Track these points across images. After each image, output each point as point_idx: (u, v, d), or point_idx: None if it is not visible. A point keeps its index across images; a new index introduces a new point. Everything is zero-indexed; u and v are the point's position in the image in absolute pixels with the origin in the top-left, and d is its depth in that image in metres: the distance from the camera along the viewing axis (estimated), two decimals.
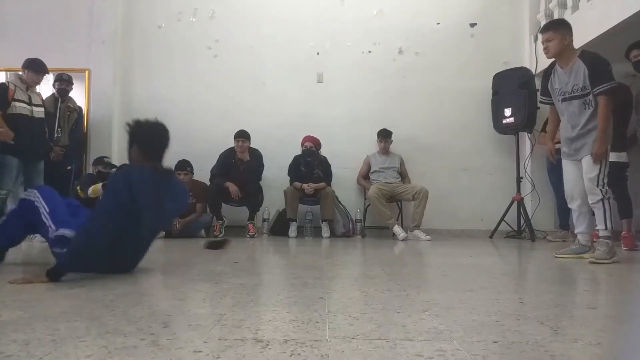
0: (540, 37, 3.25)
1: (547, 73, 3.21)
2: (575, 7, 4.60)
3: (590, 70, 2.91)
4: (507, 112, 5.12)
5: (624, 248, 3.69)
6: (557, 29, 3.03)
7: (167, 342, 1.07)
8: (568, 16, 4.70)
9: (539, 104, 3.55)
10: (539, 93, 3.42)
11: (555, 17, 4.94)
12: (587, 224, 3.06)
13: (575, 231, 3.16)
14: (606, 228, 2.90)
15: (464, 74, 5.57)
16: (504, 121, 5.16)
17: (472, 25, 5.66)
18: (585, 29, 4.15)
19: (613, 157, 3.93)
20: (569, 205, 3.17)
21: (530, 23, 5.48)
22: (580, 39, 4.05)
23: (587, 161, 2.97)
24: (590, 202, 2.96)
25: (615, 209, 4.04)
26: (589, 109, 2.95)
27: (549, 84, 3.17)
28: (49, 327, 1.19)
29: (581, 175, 3.00)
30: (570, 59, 3.01)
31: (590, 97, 2.93)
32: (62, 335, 1.11)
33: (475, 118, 5.52)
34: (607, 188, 2.92)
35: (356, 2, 5.71)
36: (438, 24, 5.66)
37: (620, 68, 3.77)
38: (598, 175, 2.91)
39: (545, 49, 3.08)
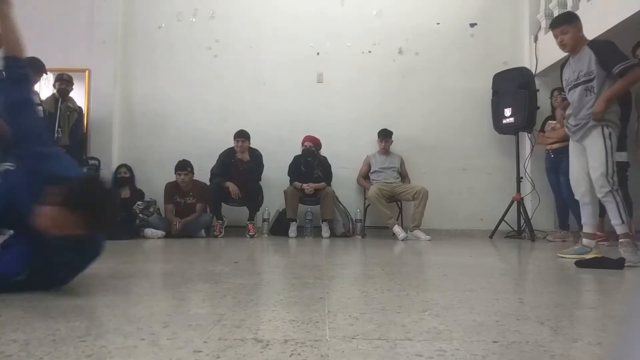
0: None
1: (562, 66, 3.18)
2: (575, 7, 4.60)
3: (597, 56, 2.86)
4: (507, 112, 5.12)
5: None
6: (571, 22, 2.99)
7: (167, 342, 1.07)
8: None
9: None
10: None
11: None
12: (588, 214, 3.02)
13: (582, 221, 3.13)
14: (622, 222, 2.78)
15: (464, 74, 5.58)
16: (504, 121, 5.17)
17: (472, 25, 5.66)
18: (585, 29, 4.13)
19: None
20: (576, 197, 3.10)
21: (530, 23, 5.48)
22: None
23: (592, 154, 2.90)
24: (599, 195, 2.87)
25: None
26: (590, 95, 2.91)
27: (564, 73, 3.13)
28: (49, 327, 1.19)
29: (586, 163, 2.95)
30: (581, 48, 2.98)
31: (594, 82, 2.88)
32: (62, 335, 1.11)
33: (475, 118, 5.52)
34: (615, 179, 2.82)
35: (356, 2, 5.71)
36: (438, 24, 5.67)
37: None
38: (607, 169, 2.81)
39: (562, 43, 3.00)
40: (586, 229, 3.08)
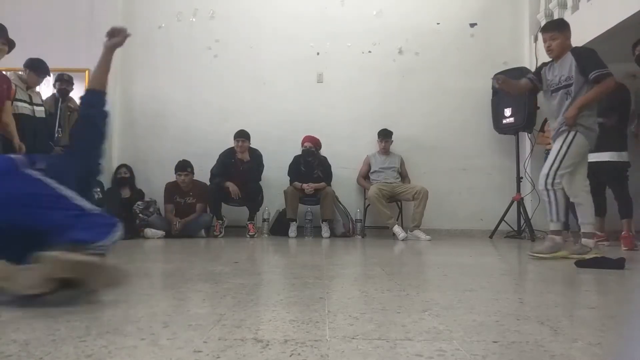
0: (540, 36, 3.31)
1: (544, 64, 3.30)
2: (575, 7, 4.61)
3: (577, 61, 2.97)
4: (507, 112, 5.12)
5: (624, 248, 3.69)
6: (561, 30, 3.10)
7: (167, 342, 1.07)
8: (568, 16, 4.70)
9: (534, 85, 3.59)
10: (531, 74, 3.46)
11: (555, 17, 4.94)
12: (584, 214, 3.07)
13: (579, 222, 3.17)
14: (552, 220, 2.96)
15: (464, 74, 5.58)
16: (504, 121, 5.17)
17: (472, 25, 5.66)
18: (585, 29, 4.15)
19: (614, 156, 3.94)
20: (571, 199, 3.16)
21: (530, 23, 5.49)
22: (580, 39, 4.06)
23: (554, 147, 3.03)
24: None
25: (615, 209, 4.04)
26: (568, 99, 3.01)
27: (544, 71, 3.24)
28: (49, 327, 1.19)
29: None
30: (565, 54, 3.09)
31: (572, 87, 2.98)
32: (62, 335, 1.11)
33: (475, 118, 5.52)
34: (557, 180, 2.92)
35: (356, 2, 5.71)
36: (438, 24, 5.67)
37: (620, 68, 3.77)
38: (549, 170, 2.95)
39: (549, 48, 3.11)
40: (585, 228, 3.09)
